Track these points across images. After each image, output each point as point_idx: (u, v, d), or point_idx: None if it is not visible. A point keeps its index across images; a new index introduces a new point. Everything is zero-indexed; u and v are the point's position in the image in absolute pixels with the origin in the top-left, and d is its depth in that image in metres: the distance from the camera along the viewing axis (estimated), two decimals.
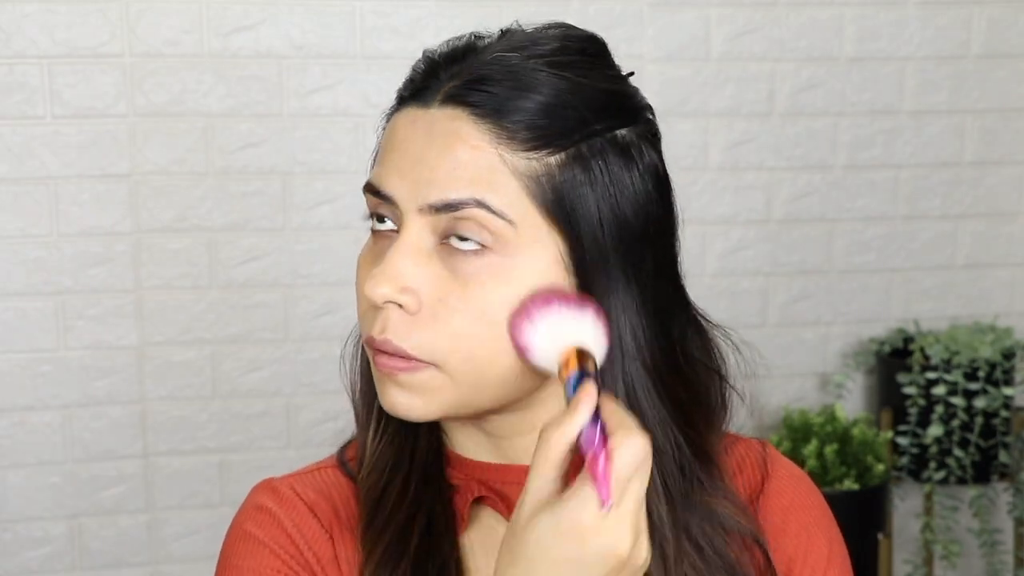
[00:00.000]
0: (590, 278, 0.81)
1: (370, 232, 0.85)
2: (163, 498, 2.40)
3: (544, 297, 0.77)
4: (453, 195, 0.78)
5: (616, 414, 0.71)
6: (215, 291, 2.38)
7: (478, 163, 0.79)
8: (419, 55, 0.87)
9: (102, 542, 2.38)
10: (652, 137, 0.87)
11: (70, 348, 2.33)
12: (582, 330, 0.75)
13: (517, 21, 0.88)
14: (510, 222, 0.79)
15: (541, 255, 0.80)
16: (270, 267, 2.39)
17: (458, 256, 0.79)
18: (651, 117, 0.88)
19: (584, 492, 0.68)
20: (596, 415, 0.70)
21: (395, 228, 0.82)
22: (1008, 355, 2.48)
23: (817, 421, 2.42)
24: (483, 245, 0.79)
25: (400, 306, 0.79)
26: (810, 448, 2.36)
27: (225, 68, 2.32)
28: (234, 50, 2.32)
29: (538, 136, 0.80)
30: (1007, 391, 2.45)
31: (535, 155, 0.79)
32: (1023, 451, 2.48)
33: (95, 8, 2.26)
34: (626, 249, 0.82)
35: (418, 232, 0.80)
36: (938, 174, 2.63)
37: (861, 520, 2.36)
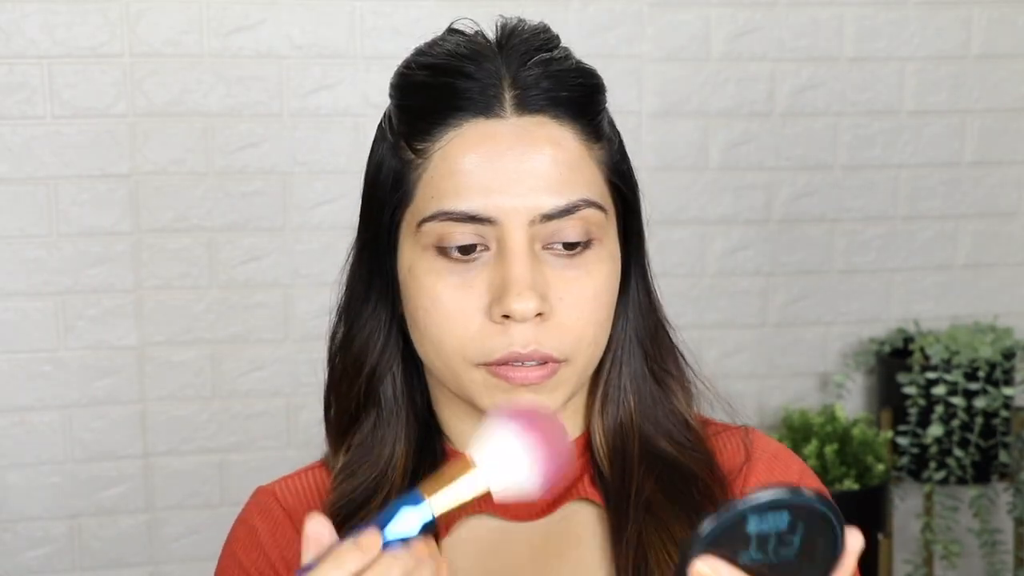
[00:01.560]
0: (630, 244, 0.88)
1: (429, 255, 0.82)
2: (163, 498, 2.40)
3: (526, 415, 0.74)
4: (564, 201, 0.80)
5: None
6: (215, 291, 2.38)
7: (575, 164, 0.81)
8: (423, 64, 0.86)
9: (102, 542, 2.38)
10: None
11: (70, 348, 2.33)
12: (492, 455, 0.71)
13: (469, 19, 0.90)
14: (605, 212, 0.83)
15: (614, 235, 0.85)
16: (270, 267, 2.39)
17: (563, 255, 0.82)
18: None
19: None
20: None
21: (484, 247, 0.81)
22: (1008, 355, 2.48)
23: (817, 421, 2.42)
24: (591, 240, 0.82)
25: (538, 314, 0.80)
26: (810, 448, 2.36)
27: (225, 68, 2.32)
28: (234, 50, 2.32)
29: (596, 125, 0.84)
30: (1007, 391, 2.45)
31: (599, 144, 0.84)
32: (1023, 451, 2.48)
33: (95, 8, 2.26)
34: (632, 213, 0.88)
35: (527, 240, 0.80)
36: (938, 174, 2.63)
37: (861, 520, 2.35)
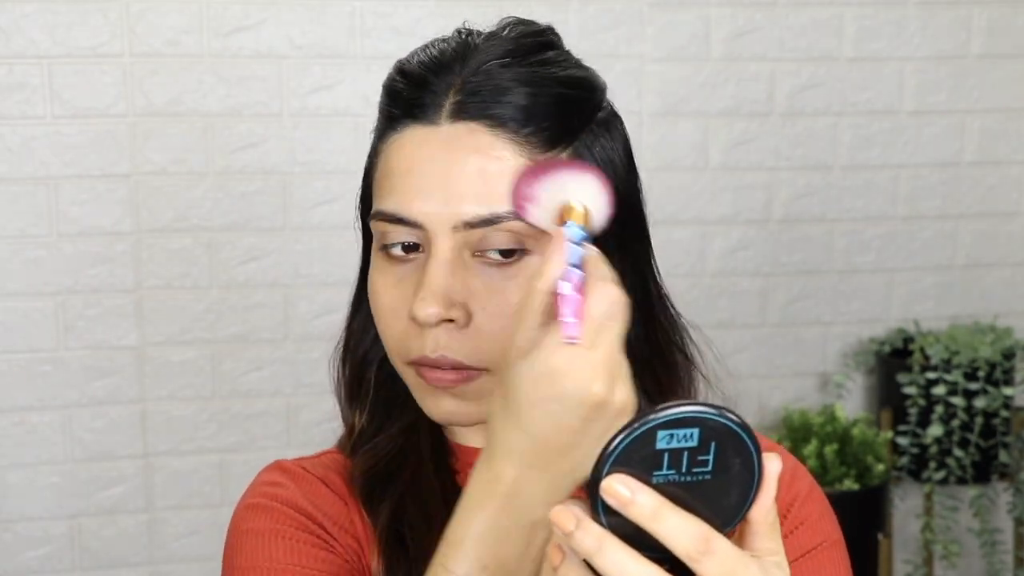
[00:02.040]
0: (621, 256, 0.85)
1: (378, 255, 0.84)
2: (163, 498, 2.40)
3: (556, 163, 0.78)
4: (487, 211, 0.79)
5: (596, 265, 0.71)
6: (215, 291, 2.38)
7: (506, 174, 0.79)
8: (396, 68, 0.87)
9: (102, 542, 2.38)
10: (615, 111, 0.89)
11: (70, 348, 2.33)
12: (579, 189, 0.75)
13: (465, 22, 0.89)
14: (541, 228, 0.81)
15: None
16: (270, 267, 2.39)
17: (495, 264, 0.81)
18: (606, 91, 0.90)
19: (557, 335, 0.69)
20: (579, 267, 0.71)
21: (415, 246, 0.82)
22: (1008, 355, 2.48)
23: (817, 421, 2.42)
24: (521, 251, 0.81)
25: (450, 320, 0.80)
26: (810, 448, 2.36)
27: (225, 68, 2.32)
28: (234, 50, 2.32)
29: (550, 136, 0.81)
30: (1007, 391, 2.45)
31: (551, 154, 0.82)
32: (1023, 451, 2.48)
33: (95, 8, 2.26)
34: (620, 223, 0.83)
35: (452, 249, 0.80)
36: (938, 174, 2.63)
37: (861, 520, 2.36)
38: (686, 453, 0.61)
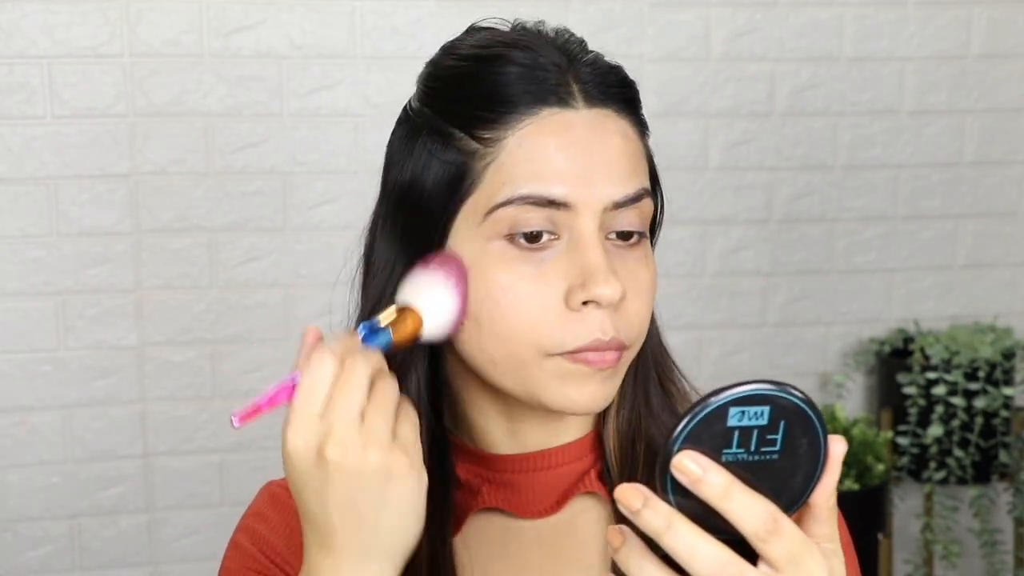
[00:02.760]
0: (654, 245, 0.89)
1: (500, 243, 0.81)
2: (163, 498, 2.40)
3: (441, 259, 0.81)
4: (632, 190, 0.82)
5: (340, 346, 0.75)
6: (215, 291, 2.38)
7: (637, 155, 0.84)
8: (419, 55, 0.87)
9: (102, 542, 2.38)
10: None
11: (70, 348, 2.33)
12: (435, 301, 0.79)
13: (473, 24, 0.91)
14: (655, 204, 0.86)
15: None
16: (270, 267, 2.39)
17: (623, 246, 0.83)
18: None
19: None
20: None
21: (554, 236, 0.81)
22: (1008, 355, 2.48)
23: None
24: (641, 233, 0.84)
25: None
26: None
27: (225, 68, 2.32)
28: (234, 50, 2.32)
29: (643, 120, 0.87)
30: (1007, 391, 2.45)
31: (644, 139, 0.87)
32: (1023, 451, 2.48)
33: (95, 8, 2.26)
34: (662, 207, 0.91)
35: (596, 229, 0.81)
36: (938, 174, 2.63)
37: (861, 520, 2.36)
38: (756, 431, 0.61)
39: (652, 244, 0.89)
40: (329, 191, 2.39)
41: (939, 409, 2.44)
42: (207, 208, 2.35)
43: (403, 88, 0.91)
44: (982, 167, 2.65)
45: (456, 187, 0.82)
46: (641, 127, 0.86)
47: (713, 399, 0.60)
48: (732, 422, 0.61)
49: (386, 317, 0.77)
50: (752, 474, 0.61)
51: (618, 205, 0.81)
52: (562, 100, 0.81)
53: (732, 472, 0.61)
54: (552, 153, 0.80)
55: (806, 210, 2.59)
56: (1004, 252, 2.69)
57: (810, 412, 0.62)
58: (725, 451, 0.61)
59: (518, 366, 0.81)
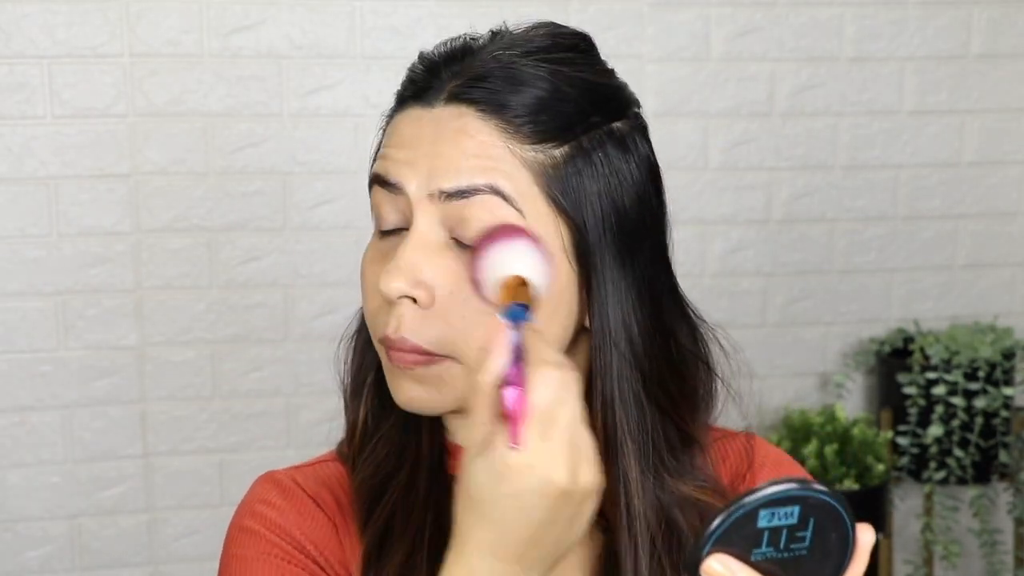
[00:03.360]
0: (590, 265, 0.83)
1: (374, 234, 0.86)
2: (163, 498, 2.40)
3: (489, 233, 0.78)
4: (466, 181, 0.80)
5: (536, 350, 0.71)
6: (215, 291, 2.37)
7: (489, 153, 0.81)
8: (418, 55, 0.88)
9: (102, 542, 2.38)
10: (643, 129, 0.89)
11: (70, 348, 2.33)
12: (522, 262, 0.76)
13: (504, 22, 0.90)
14: (519, 211, 0.80)
15: (548, 245, 0.80)
16: (270, 267, 2.39)
17: (470, 248, 0.80)
18: (639, 110, 0.90)
19: (506, 434, 0.68)
20: (520, 353, 0.70)
21: (402, 227, 0.83)
22: (1008, 355, 2.48)
23: (817, 421, 2.42)
24: None
25: (414, 301, 0.81)
26: (810, 448, 2.36)
27: (225, 68, 2.32)
28: (234, 50, 2.32)
29: (542, 130, 0.82)
30: (1007, 391, 2.45)
31: (540, 148, 0.82)
32: (1023, 451, 2.48)
33: (95, 8, 2.26)
34: (624, 238, 0.84)
35: (429, 225, 0.81)
36: (938, 174, 2.63)
37: (861, 520, 2.35)
38: (785, 530, 0.62)
39: (632, 253, 0.84)
40: (329, 191, 2.39)
41: (939, 409, 2.44)
42: (207, 208, 2.35)
43: None
44: (982, 167, 2.65)
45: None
46: (525, 138, 0.81)
47: (744, 502, 0.61)
48: (762, 523, 0.62)
49: (511, 294, 0.74)
50: (783, 570, 0.63)
51: (448, 195, 0.80)
52: (424, 98, 0.84)
53: (761, 570, 0.62)
54: (400, 141, 0.84)
55: (806, 210, 2.59)
56: (1004, 252, 2.69)
57: (838, 507, 0.64)
58: (755, 551, 0.62)
59: (377, 349, 0.85)
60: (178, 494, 2.40)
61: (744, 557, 0.62)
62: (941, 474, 2.46)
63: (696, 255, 2.54)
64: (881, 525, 2.41)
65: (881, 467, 2.38)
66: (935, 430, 2.43)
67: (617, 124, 0.85)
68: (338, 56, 2.36)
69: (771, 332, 2.62)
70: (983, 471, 2.48)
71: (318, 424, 2.42)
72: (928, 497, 2.53)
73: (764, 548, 0.62)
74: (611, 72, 0.88)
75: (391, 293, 0.80)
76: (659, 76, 2.47)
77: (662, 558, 0.84)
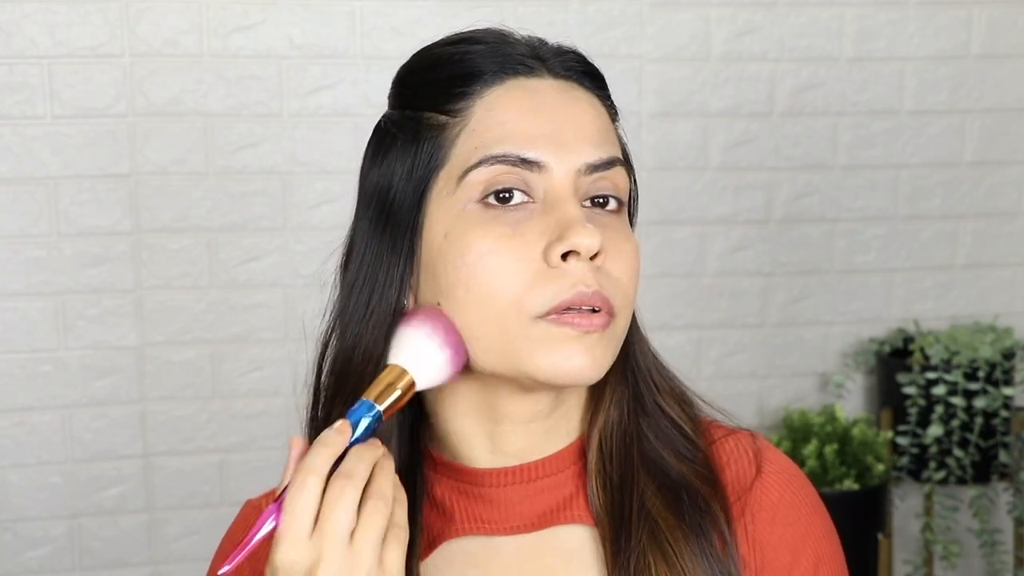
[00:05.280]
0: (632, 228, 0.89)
1: (474, 209, 0.80)
2: (163, 498, 2.40)
3: (413, 312, 0.83)
4: (606, 154, 0.82)
5: (313, 456, 0.75)
6: (215, 291, 2.38)
7: (608, 126, 0.84)
8: (471, 35, 0.88)
9: (102, 542, 2.38)
10: None
11: (70, 348, 2.33)
12: (417, 352, 0.80)
13: (470, 25, 0.92)
14: (631, 180, 0.86)
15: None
16: (270, 267, 2.39)
17: (601, 214, 0.82)
18: None
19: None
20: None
21: (527, 200, 0.81)
22: (1008, 355, 2.48)
23: (817, 421, 2.42)
24: (619, 203, 0.84)
25: (594, 257, 0.80)
26: (810, 448, 2.36)
27: (225, 68, 2.32)
28: (234, 50, 2.32)
29: (612, 104, 0.87)
30: (1007, 391, 2.45)
31: (615, 122, 0.87)
32: (1023, 451, 2.48)
33: (95, 8, 2.26)
34: (636, 204, 0.90)
35: (573, 192, 0.81)
36: (938, 174, 2.63)
37: (861, 520, 2.36)
38: None
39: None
40: (329, 191, 2.39)
41: (939, 409, 2.44)
42: (207, 208, 2.35)
43: None
44: (982, 167, 2.65)
45: (428, 163, 0.82)
46: (610, 108, 0.87)
47: None
48: None
49: (380, 386, 0.78)
50: None
51: (591, 168, 0.81)
52: (528, 69, 0.83)
53: None
54: (523, 115, 0.81)
55: (806, 210, 2.59)
56: (1004, 252, 2.69)
57: None
58: None
59: (502, 337, 0.80)
60: (178, 494, 2.40)
61: None
62: (941, 474, 2.46)
63: (696, 255, 2.54)
64: (881, 525, 2.41)
65: (881, 467, 2.38)
66: (935, 430, 2.44)
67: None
68: (338, 56, 2.36)
69: (771, 332, 2.62)
70: (983, 471, 2.48)
71: None
72: (928, 497, 2.53)
73: None
74: None
75: (595, 247, 0.78)
76: (659, 76, 2.47)
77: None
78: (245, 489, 2.35)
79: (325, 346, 0.91)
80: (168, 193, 2.33)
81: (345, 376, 0.87)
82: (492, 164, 0.79)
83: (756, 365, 2.61)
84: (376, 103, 2.36)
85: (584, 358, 0.79)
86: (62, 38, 2.26)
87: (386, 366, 0.79)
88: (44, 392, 2.33)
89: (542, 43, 0.86)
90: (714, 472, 0.88)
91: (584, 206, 0.81)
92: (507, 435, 0.86)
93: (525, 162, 0.79)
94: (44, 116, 2.28)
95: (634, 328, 0.88)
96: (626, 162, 0.85)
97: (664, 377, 0.91)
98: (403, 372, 0.78)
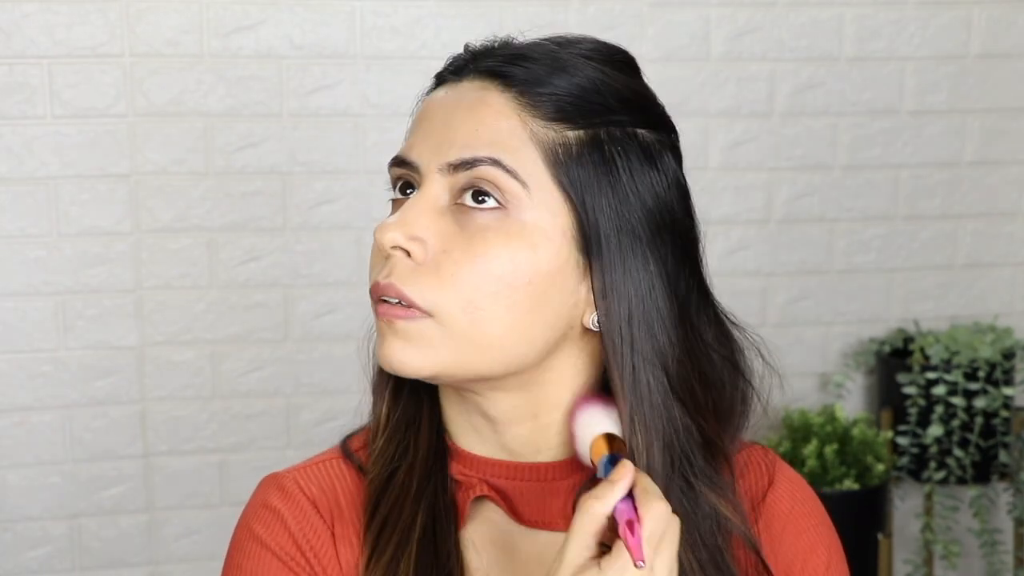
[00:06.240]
0: (594, 253, 0.83)
1: (390, 204, 0.89)
2: (163, 498, 2.40)
3: (584, 397, 0.87)
4: (469, 153, 0.82)
5: (643, 486, 0.76)
6: (215, 291, 2.38)
7: (498, 126, 0.83)
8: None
9: (102, 542, 2.38)
10: (674, 149, 0.91)
11: (70, 348, 2.33)
12: (609, 422, 0.85)
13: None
14: (523, 183, 0.82)
15: (550, 223, 0.83)
16: (270, 267, 2.39)
17: (469, 213, 0.83)
18: (675, 137, 0.91)
19: (624, 558, 0.73)
20: (631, 491, 0.78)
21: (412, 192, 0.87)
22: (1008, 355, 2.48)
23: (817, 421, 2.42)
24: (497, 203, 0.82)
25: (408, 255, 0.83)
26: (810, 448, 2.36)
27: (225, 68, 2.32)
28: (234, 50, 2.32)
29: (561, 111, 0.83)
30: (1007, 391, 2.45)
31: (555, 127, 0.83)
32: (1023, 451, 2.48)
33: (95, 8, 2.26)
34: (641, 237, 0.85)
35: (435, 190, 0.84)
36: (938, 174, 2.63)
37: (861, 520, 2.36)
38: None
39: (597, 252, 0.84)
40: (329, 191, 2.39)
41: (939, 409, 2.44)
42: (207, 208, 2.35)
43: (403, 88, 0.93)
44: (982, 167, 2.65)
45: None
46: (542, 116, 0.83)
47: None
48: None
49: (603, 447, 0.83)
50: None
51: (452, 167, 0.83)
52: (450, 78, 0.88)
53: None
54: (419, 120, 0.88)
55: (806, 210, 2.59)
56: (1004, 252, 2.69)
57: None
58: None
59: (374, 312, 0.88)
60: (178, 494, 2.40)
61: None
62: (941, 474, 2.46)
63: None
64: (881, 525, 2.41)
65: (881, 467, 2.38)
66: (935, 430, 2.43)
67: (643, 131, 0.86)
68: (338, 56, 2.36)
69: (771, 332, 2.61)
70: (983, 471, 2.48)
71: (318, 424, 2.42)
72: (928, 497, 2.53)
73: None
74: (652, 92, 0.90)
75: (385, 243, 0.83)
76: (659, 76, 2.45)
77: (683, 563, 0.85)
78: (245, 489, 2.34)
79: None
80: (168, 193, 2.33)
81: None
82: (392, 165, 0.88)
83: (756, 365, 2.60)
84: (376, 103, 2.36)
85: (395, 350, 0.83)
86: (62, 38, 2.26)
87: (607, 434, 0.84)
88: (44, 392, 2.33)
89: (488, 48, 0.89)
90: (732, 475, 0.90)
91: (462, 203, 0.83)
92: (515, 438, 0.89)
93: (404, 163, 0.87)
94: (44, 116, 2.28)
95: (625, 344, 0.85)
96: (504, 166, 0.82)
97: (692, 394, 0.89)
98: (616, 436, 0.85)
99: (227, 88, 2.33)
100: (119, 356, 2.35)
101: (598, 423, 0.84)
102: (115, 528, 2.39)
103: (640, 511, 0.74)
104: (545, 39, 0.88)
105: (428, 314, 0.82)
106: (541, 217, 0.82)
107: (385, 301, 0.83)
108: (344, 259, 2.38)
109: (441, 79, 0.90)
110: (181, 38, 2.30)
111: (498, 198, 0.82)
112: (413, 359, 0.83)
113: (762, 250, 2.58)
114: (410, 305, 0.82)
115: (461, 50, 0.91)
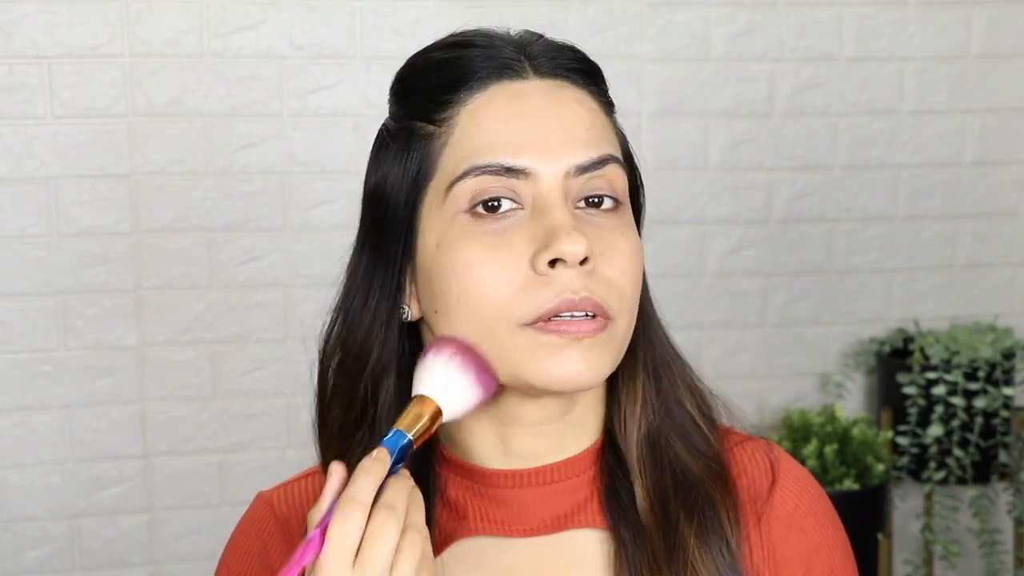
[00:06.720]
0: (639, 223, 0.88)
1: (461, 220, 0.80)
2: (163, 498, 2.40)
3: (443, 339, 0.81)
4: (596, 153, 0.80)
5: (356, 486, 0.73)
6: (215, 291, 2.38)
7: (600, 123, 0.83)
8: (462, 38, 0.87)
9: (102, 542, 2.38)
10: None
11: (70, 348, 2.33)
12: (443, 382, 0.79)
13: (466, 23, 0.93)
14: (627, 177, 0.85)
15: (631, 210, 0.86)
16: (270, 267, 2.39)
17: (596, 212, 0.81)
18: None
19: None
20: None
21: (517, 206, 0.80)
22: (1008, 355, 2.48)
23: (817, 421, 2.42)
24: (616, 201, 0.82)
25: (584, 262, 0.78)
26: (810, 448, 2.36)
27: (225, 68, 2.32)
28: (234, 50, 2.32)
29: (608, 98, 0.86)
30: (1007, 391, 2.45)
31: (611, 115, 0.86)
32: (1023, 451, 2.48)
33: (95, 8, 2.26)
34: (641, 198, 0.90)
35: (562, 194, 0.79)
36: (938, 174, 2.63)
37: (861, 520, 2.36)
38: None
39: (638, 227, 0.87)
40: (329, 191, 2.39)
41: (939, 409, 2.44)
42: (207, 208, 2.35)
43: None
44: (982, 167, 2.65)
45: (417, 174, 0.82)
46: (605, 103, 0.85)
47: None
48: None
49: (408, 416, 0.78)
50: None
51: (581, 170, 0.80)
52: (511, 73, 0.81)
53: None
54: (507, 122, 0.80)
55: (806, 210, 2.59)
56: (1004, 252, 2.69)
57: None
58: None
59: (495, 346, 0.79)
60: (178, 494, 2.40)
61: None
62: (941, 474, 2.46)
63: (696, 255, 2.54)
64: (881, 525, 2.41)
65: (881, 467, 2.38)
66: (935, 430, 2.43)
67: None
68: (338, 56, 2.36)
69: (771, 332, 2.62)
70: (983, 471, 2.48)
71: None
72: (928, 497, 2.53)
73: None
74: None
75: (580, 254, 0.77)
76: (659, 76, 2.47)
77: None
78: (245, 489, 2.35)
79: (326, 346, 0.90)
80: (168, 193, 2.33)
81: (353, 387, 0.88)
82: (478, 175, 0.79)
83: (756, 365, 2.61)
84: (376, 103, 2.36)
85: (577, 363, 0.78)
86: (62, 38, 2.26)
87: (418, 397, 0.78)
88: (44, 392, 2.33)
89: (533, 41, 0.84)
90: (727, 470, 0.88)
91: (578, 207, 0.80)
92: (518, 438, 0.86)
93: (510, 171, 0.79)
94: (44, 116, 2.28)
95: (649, 324, 0.88)
96: (625, 158, 0.84)
97: (682, 372, 0.91)
98: (433, 404, 0.78)
99: (227, 88, 2.33)
100: (119, 356, 2.35)
101: (429, 379, 0.78)
102: (115, 528, 2.39)
103: (330, 529, 0.72)
104: (533, 32, 0.87)
105: (611, 319, 0.80)
106: (630, 209, 0.85)
107: (563, 318, 0.78)
108: (344, 259, 2.38)
109: (471, 80, 0.81)
110: (181, 38, 2.30)
111: (618, 195, 0.82)
112: (600, 371, 0.80)
113: (762, 250, 2.58)
114: (601, 315, 0.79)
115: (438, 49, 0.85)
